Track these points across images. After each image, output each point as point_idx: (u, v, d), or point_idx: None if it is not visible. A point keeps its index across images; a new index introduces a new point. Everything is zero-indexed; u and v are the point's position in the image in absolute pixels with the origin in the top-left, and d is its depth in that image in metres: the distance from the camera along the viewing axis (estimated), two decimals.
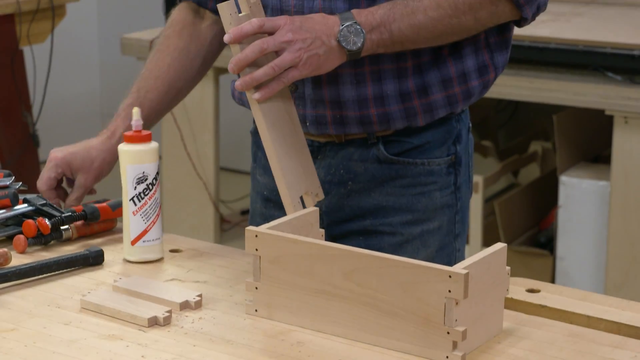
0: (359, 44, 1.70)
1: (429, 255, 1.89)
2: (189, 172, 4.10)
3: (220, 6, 1.66)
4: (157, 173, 1.74)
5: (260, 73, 1.66)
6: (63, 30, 4.88)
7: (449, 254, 1.93)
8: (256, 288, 1.56)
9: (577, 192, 3.55)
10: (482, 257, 1.46)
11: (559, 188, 3.59)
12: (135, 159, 1.72)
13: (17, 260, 1.74)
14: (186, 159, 4.08)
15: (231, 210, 4.75)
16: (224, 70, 4.07)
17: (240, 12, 1.69)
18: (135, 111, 1.73)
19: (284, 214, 1.93)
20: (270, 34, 1.67)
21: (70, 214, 1.82)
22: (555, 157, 3.85)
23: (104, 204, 1.86)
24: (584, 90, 3.35)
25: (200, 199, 4.13)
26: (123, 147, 1.72)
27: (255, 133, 2.02)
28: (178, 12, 2.11)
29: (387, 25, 1.72)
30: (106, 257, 1.75)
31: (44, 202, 1.85)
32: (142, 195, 1.72)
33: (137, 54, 4.11)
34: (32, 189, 1.95)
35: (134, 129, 1.72)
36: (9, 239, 1.82)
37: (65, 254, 1.74)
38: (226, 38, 1.65)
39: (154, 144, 1.73)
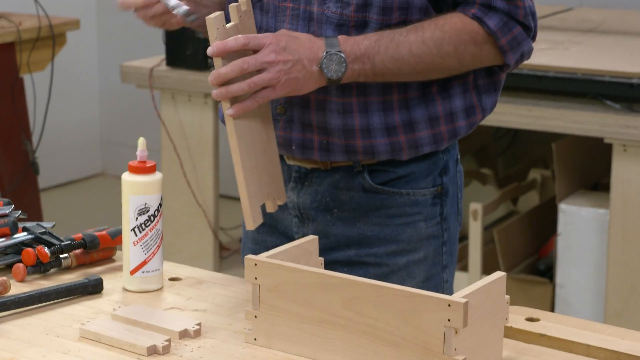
0: (340, 74, 1.72)
1: (415, 287, 1.88)
2: (189, 200, 4.10)
3: (208, 19, 1.67)
4: (160, 204, 1.73)
5: (235, 87, 1.68)
6: (63, 59, 4.90)
7: (437, 285, 1.92)
8: (255, 317, 1.56)
9: (576, 220, 3.55)
10: (482, 285, 1.46)
11: (558, 216, 3.59)
12: (138, 190, 1.72)
13: (16, 288, 1.73)
14: (186, 187, 4.08)
15: (230, 237, 4.74)
16: None
17: (230, 21, 1.70)
18: (141, 142, 1.73)
19: (276, 239, 1.94)
20: (255, 51, 1.69)
21: (69, 242, 1.82)
22: (554, 184, 3.85)
23: (104, 232, 1.86)
24: (583, 118, 3.35)
25: (200, 227, 4.13)
26: (126, 178, 1.72)
27: None
28: None
29: (370, 57, 1.74)
30: (105, 285, 1.75)
31: (44, 230, 1.85)
32: (143, 226, 1.72)
33: (136, 82, 4.12)
34: (32, 217, 1.96)
35: (138, 159, 1.72)
36: (8, 267, 1.82)
37: (64, 282, 1.74)
38: (209, 51, 1.67)
39: (157, 175, 1.73)
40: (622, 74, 3.32)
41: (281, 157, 1.91)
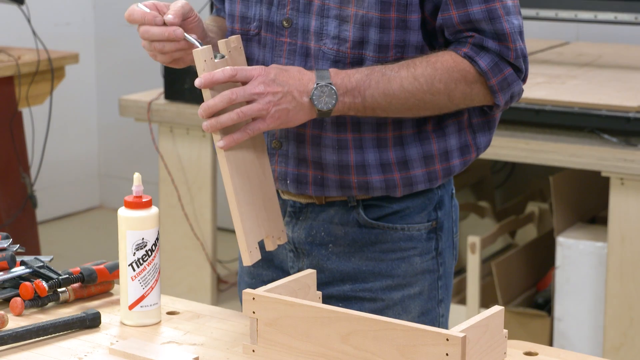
0: (330, 106, 1.73)
1: (411, 321, 1.88)
2: (186, 233, 4.10)
3: (195, 52, 1.69)
4: (157, 239, 1.74)
5: (225, 117, 1.69)
6: (62, 92, 4.92)
7: (433, 319, 1.93)
8: (253, 351, 1.56)
9: (574, 253, 3.55)
10: (480, 319, 1.46)
11: (556, 249, 3.59)
12: (135, 225, 1.72)
13: (14, 322, 1.73)
14: (183, 220, 4.08)
15: (228, 270, 4.74)
16: None
17: (220, 56, 1.72)
18: (136, 177, 1.73)
19: (272, 272, 1.94)
20: (244, 83, 1.70)
21: (67, 276, 1.82)
22: (552, 218, 3.85)
23: (102, 266, 1.86)
24: (580, 152, 3.36)
25: (198, 260, 4.13)
26: (123, 213, 1.72)
27: None
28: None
29: (361, 91, 1.75)
30: (103, 319, 1.75)
31: (42, 264, 1.85)
32: (141, 261, 1.72)
33: (135, 116, 4.14)
34: (30, 250, 1.96)
35: (134, 194, 1.73)
36: (6, 301, 1.82)
37: (62, 316, 1.74)
38: (197, 82, 1.69)
39: (154, 210, 1.73)
40: (618, 107, 3.33)
41: (277, 192, 1.91)
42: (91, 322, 1.73)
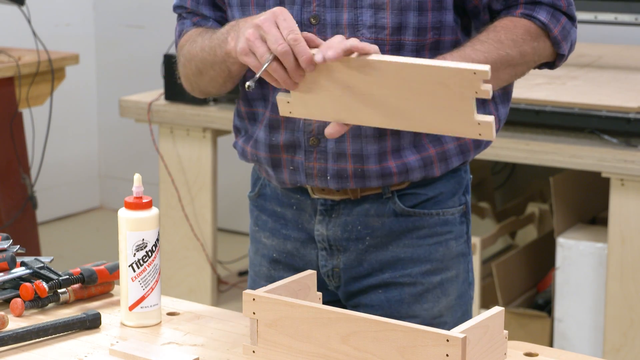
0: None
1: (449, 304, 1.93)
2: (187, 234, 4.10)
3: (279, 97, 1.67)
4: (157, 240, 1.74)
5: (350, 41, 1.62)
6: (62, 93, 4.92)
7: (466, 302, 1.96)
8: (253, 352, 1.56)
9: (574, 254, 3.55)
10: (480, 320, 1.46)
11: (556, 250, 3.59)
12: (135, 226, 1.72)
13: (14, 323, 1.73)
14: (184, 221, 4.08)
15: (229, 271, 4.74)
16: (221, 132, 4.09)
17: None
18: (137, 178, 1.73)
19: (291, 275, 1.94)
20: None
21: (67, 277, 1.82)
22: (552, 218, 3.85)
23: (102, 267, 1.87)
24: (580, 152, 3.36)
25: (198, 260, 4.13)
26: (123, 214, 1.72)
27: (254, 198, 2.03)
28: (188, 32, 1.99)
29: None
30: (103, 320, 1.75)
31: (42, 265, 1.85)
32: (141, 262, 1.72)
33: (135, 116, 4.14)
34: (30, 251, 1.96)
35: (134, 195, 1.72)
36: (6, 302, 1.82)
37: (62, 317, 1.74)
38: (318, 58, 1.60)
39: (154, 211, 1.73)
40: (619, 108, 3.33)
41: (305, 191, 1.91)
42: (91, 323, 1.73)
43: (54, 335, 1.69)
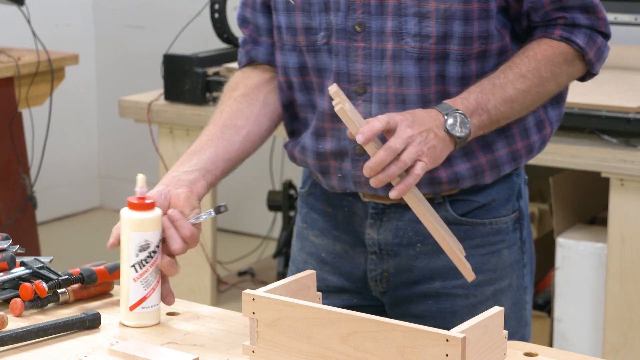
0: (467, 130, 1.72)
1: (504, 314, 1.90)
2: None
3: (338, 112, 1.64)
4: (160, 240, 1.73)
5: (392, 169, 1.65)
6: (62, 93, 4.92)
7: (521, 308, 1.94)
8: (253, 352, 1.56)
9: (574, 254, 3.55)
10: (480, 320, 1.46)
11: (556, 250, 3.59)
12: (138, 227, 1.71)
13: (14, 323, 1.73)
14: None
15: (228, 271, 4.74)
16: None
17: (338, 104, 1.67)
18: (140, 178, 1.73)
19: (337, 279, 1.94)
20: (389, 131, 1.67)
21: (67, 277, 1.82)
22: (552, 218, 3.85)
23: (101, 267, 1.86)
24: (580, 153, 3.36)
25: (198, 261, 4.13)
26: (126, 214, 1.72)
27: (304, 195, 2.01)
28: (241, 77, 2.01)
29: (483, 107, 1.75)
30: (103, 320, 1.75)
31: (41, 265, 1.85)
32: (143, 262, 1.72)
33: (135, 117, 4.14)
34: (30, 251, 1.95)
35: (138, 195, 1.72)
36: (6, 302, 1.82)
37: (62, 317, 1.74)
38: (360, 139, 1.63)
39: (157, 212, 1.73)
40: (618, 108, 3.33)
41: (356, 194, 1.90)
42: (91, 323, 1.73)
43: (53, 335, 1.69)
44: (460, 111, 1.72)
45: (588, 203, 3.87)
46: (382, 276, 1.92)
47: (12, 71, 3.94)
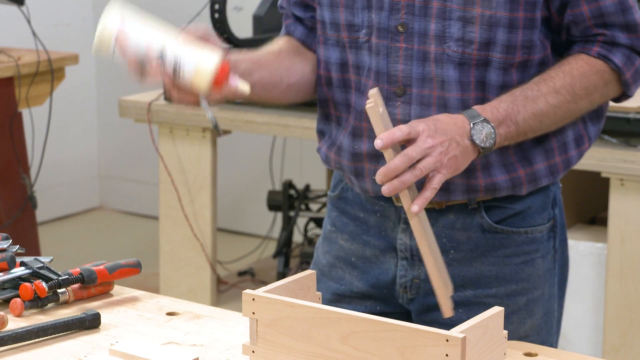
0: (492, 141, 1.71)
1: (534, 324, 1.88)
2: (186, 234, 4.10)
3: (369, 109, 1.63)
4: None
5: (408, 176, 1.63)
6: (62, 93, 4.92)
7: (551, 317, 1.92)
8: (253, 352, 1.56)
9: (574, 253, 3.55)
10: (480, 320, 1.46)
11: None
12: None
13: (14, 323, 1.73)
14: (183, 221, 4.08)
15: (228, 271, 4.74)
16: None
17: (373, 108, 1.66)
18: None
19: (364, 284, 1.92)
20: (409, 140, 1.66)
21: (67, 277, 1.82)
22: None
23: (101, 267, 1.87)
24: None
25: (198, 261, 4.13)
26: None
27: (334, 198, 1.99)
28: (281, 41, 2.01)
29: (512, 118, 1.73)
30: (103, 320, 1.75)
31: (41, 265, 1.85)
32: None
33: (135, 117, 4.14)
34: (30, 251, 1.96)
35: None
36: (6, 302, 1.82)
37: (61, 317, 1.74)
38: (378, 144, 1.62)
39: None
40: (619, 108, 3.32)
41: (389, 199, 1.89)
42: (91, 322, 1.73)
43: (53, 335, 1.69)
44: (488, 120, 1.70)
45: (588, 203, 3.87)
46: (413, 283, 1.89)
47: (12, 71, 3.94)
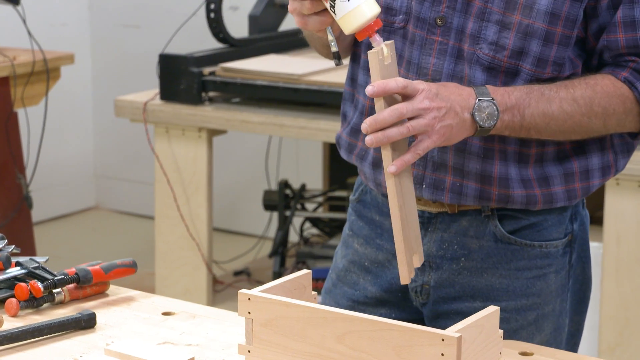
0: (492, 122, 1.67)
1: (543, 339, 1.85)
2: (182, 234, 4.10)
3: (371, 53, 1.61)
4: None
5: (394, 131, 1.60)
6: (57, 93, 4.92)
7: (561, 332, 1.88)
8: (249, 351, 1.56)
9: None
10: (475, 319, 1.46)
11: None
12: None
13: (9, 324, 1.73)
14: (179, 220, 4.08)
15: (224, 271, 4.74)
16: (217, 132, 4.09)
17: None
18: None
19: (377, 289, 1.90)
20: (406, 97, 1.63)
21: (62, 277, 1.82)
22: None
23: (97, 267, 1.86)
24: None
25: (194, 260, 4.13)
26: None
27: (354, 202, 1.97)
28: None
29: (520, 109, 1.70)
30: (98, 320, 1.75)
31: (37, 265, 1.84)
32: None
33: (130, 116, 4.14)
34: (25, 251, 1.95)
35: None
36: (1, 302, 1.82)
37: (57, 317, 1.74)
38: (369, 90, 1.60)
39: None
40: None
41: None
42: (86, 322, 1.73)
43: (49, 336, 1.69)
44: (495, 102, 1.67)
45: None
46: (423, 288, 1.87)
47: (8, 71, 3.94)
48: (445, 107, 1.64)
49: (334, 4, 1.63)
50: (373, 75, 1.62)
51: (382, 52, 1.62)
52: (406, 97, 1.63)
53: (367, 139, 1.62)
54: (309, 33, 1.82)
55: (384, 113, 1.60)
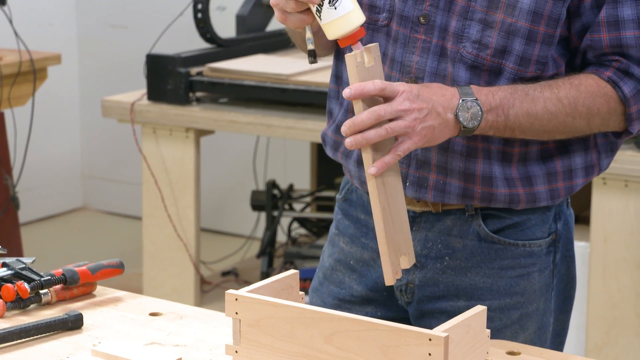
0: (476, 123, 1.67)
1: (527, 338, 1.85)
2: (170, 234, 4.10)
3: (348, 56, 1.61)
4: None
5: (372, 133, 1.60)
6: (44, 93, 4.91)
7: (546, 331, 1.89)
8: (236, 352, 1.56)
9: None
10: (462, 319, 1.46)
11: None
12: None
13: None
14: (167, 221, 4.08)
15: (212, 271, 4.74)
16: (204, 132, 4.08)
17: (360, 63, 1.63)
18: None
19: (363, 288, 1.90)
20: (387, 99, 1.63)
21: (49, 278, 1.82)
22: None
23: (84, 268, 1.86)
24: None
25: (181, 261, 4.12)
26: None
27: (340, 201, 1.97)
28: None
29: (505, 109, 1.70)
30: (85, 321, 1.74)
31: (23, 265, 1.84)
32: None
33: (117, 117, 4.13)
34: (12, 252, 1.95)
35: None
36: None
37: (44, 318, 1.73)
38: (346, 93, 1.60)
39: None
40: None
41: None
42: (73, 323, 1.72)
43: (35, 336, 1.69)
44: (479, 102, 1.67)
45: (571, 202, 3.88)
46: (407, 287, 1.88)
47: None
48: (427, 108, 1.64)
49: (321, 9, 1.63)
50: (351, 78, 1.62)
51: (360, 54, 1.63)
52: (387, 99, 1.63)
53: (347, 141, 1.62)
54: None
55: (362, 115, 1.61)
